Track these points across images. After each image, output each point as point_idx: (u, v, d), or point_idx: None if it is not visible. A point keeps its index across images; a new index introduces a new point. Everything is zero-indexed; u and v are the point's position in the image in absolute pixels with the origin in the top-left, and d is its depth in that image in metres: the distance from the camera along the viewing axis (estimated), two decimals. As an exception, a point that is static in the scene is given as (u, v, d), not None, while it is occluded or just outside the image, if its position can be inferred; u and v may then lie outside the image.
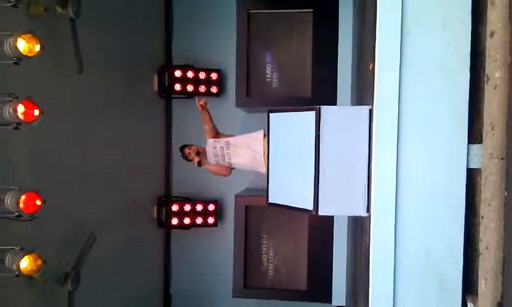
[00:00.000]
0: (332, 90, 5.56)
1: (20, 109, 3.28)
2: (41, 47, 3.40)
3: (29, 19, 3.70)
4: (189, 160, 4.95)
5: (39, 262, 3.41)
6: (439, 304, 2.77)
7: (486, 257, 2.61)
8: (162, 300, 6.64)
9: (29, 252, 3.36)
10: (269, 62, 6.02)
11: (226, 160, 4.84)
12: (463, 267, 2.75)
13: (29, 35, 3.32)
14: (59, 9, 3.98)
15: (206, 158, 4.92)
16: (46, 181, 3.88)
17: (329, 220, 5.65)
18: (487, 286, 2.59)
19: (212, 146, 4.87)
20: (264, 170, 4.35)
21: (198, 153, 4.85)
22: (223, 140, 4.86)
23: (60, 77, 4.21)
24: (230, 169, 4.93)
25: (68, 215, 4.31)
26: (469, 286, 2.79)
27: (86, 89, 4.57)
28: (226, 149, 4.82)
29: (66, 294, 4.15)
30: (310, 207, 3.21)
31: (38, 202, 3.41)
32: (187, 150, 4.89)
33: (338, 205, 3.25)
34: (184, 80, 6.37)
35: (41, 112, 3.38)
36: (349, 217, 5.26)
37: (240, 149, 4.74)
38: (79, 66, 4.21)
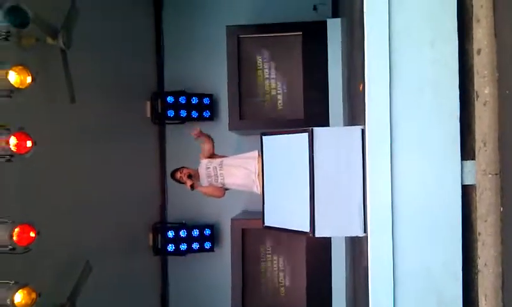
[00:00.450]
0: (324, 111, 5.59)
1: (13, 141, 3.27)
2: (33, 79, 3.40)
3: (20, 51, 3.71)
4: (178, 182, 4.95)
5: (33, 296, 3.36)
6: (440, 322, 2.75)
7: (485, 273, 2.59)
8: (160, 328, 6.54)
9: (23, 286, 3.31)
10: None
11: (219, 180, 4.82)
12: (463, 283, 2.74)
13: (20, 67, 3.34)
14: (49, 40, 4.00)
15: (199, 181, 4.90)
16: (39, 212, 3.85)
17: (327, 241, 5.62)
18: (487, 302, 2.58)
19: (205, 166, 4.86)
20: (258, 190, 4.33)
21: (190, 176, 4.83)
22: (216, 160, 4.85)
23: (52, 108, 4.21)
24: (224, 190, 4.91)
25: (62, 246, 4.27)
26: (469, 303, 2.77)
27: (78, 119, 4.58)
28: (220, 170, 4.82)
29: (62, 326, 4.09)
30: (307, 229, 3.20)
31: (32, 234, 3.37)
32: (178, 174, 4.89)
33: (335, 226, 3.24)
34: (176, 106, 6.39)
35: (33, 144, 3.37)
36: (346, 237, 5.23)
37: (234, 169, 4.73)
38: (71, 96, 4.22)
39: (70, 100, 4.23)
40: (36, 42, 3.84)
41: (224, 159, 4.84)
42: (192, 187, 4.82)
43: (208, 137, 4.90)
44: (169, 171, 6.53)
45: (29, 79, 3.39)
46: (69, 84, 4.20)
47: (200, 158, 4.96)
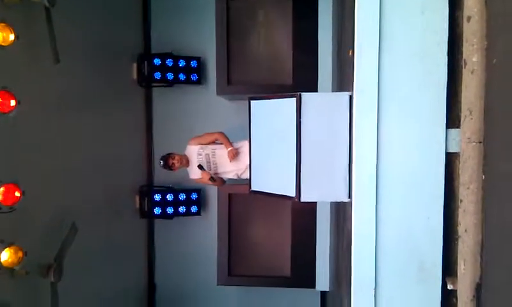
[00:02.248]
0: (313, 77, 5.57)
1: (-4, 100, 3.22)
2: (16, 36, 3.32)
3: (2, 8, 3.61)
4: (170, 169, 4.86)
5: (20, 254, 3.37)
6: (419, 285, 2.83)
7: (465, 240, 2.66)
8: (146, 290, 6.63)
9: (9, 245, 3.32)
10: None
11: (212, 168, 4.78)
12: (443, 249, 2.81)
13: (2, 24, 3.25)
14: (33, -3, 3.88)
15: (188, 166, 4.84)
16: (25, 172, 3.81)
17: (312, 206, 5.69)
18: (466, 268, 2.65)
19: (196, 153, 4.78)
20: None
21: (201, 167, 4.69)
22: (208, 147, 4.78)
23: (36, 67, 4.12)
24: (223, 180, 4.88)
25: (48, 207, 4.26)
26: (449, 268, 2.85)
27: (63, 79, 4.49)
28: (212, 157, 4.77)
29: (48, 286, 4.11)
30: (293, 194, 3.23)
31: (17, 194, 3.36)
32: (170, 161, 4.80)
33: (320, 191, 3.28)
34: (163, 68, 6.29)
35: (17, 103, 3.31)
36: (331, 202, 5.30)
37: (226, 161, 4.70)
38: (55, 56, 4.12)
39: (54, 60, 4.14)
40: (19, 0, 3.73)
41: (217, 148, 4.77)
42: (213, 179, 4.70)
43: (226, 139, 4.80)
44: (155, 134, 6.54)
45: (11, 37, 3.31)
46: (53, 44, 4.10)
47: (189, 143, 4.87)
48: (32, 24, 4.01)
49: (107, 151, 5.44)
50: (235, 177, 4.85)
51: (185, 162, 4.82)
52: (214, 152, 4.76)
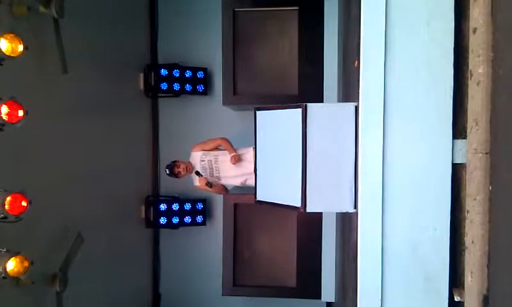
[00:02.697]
0: (319, 87, 5.59)
1: (4, 109, 3.24)
2: (25, 47, 3.36)
3: (11, 19, 3.65)
4: (176, 177, 4.87)
5: (26, 264, 3.38)
6: (426, 296, 2.81)
7: (472, 251, 2.64)
8: (151, 300, 6.62)
9: (15, 254, 3.33)
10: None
11: (214, 174, 4.78)
12: (450, 260, 2.79)
13: (11, 35, 3.29)
14: (42, 9, 3.92)
15: (192, 173, 4.86)
16: (32, 182, 3.84)
17: (318, 216, 5.68)
18: (473, 279, 2.63)
19: (199, 159, 4.80)
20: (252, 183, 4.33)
21: (198, 173, 4.72)
22: (211, 153, 4.79)
23: (44, 78, 4.16)
24: (225, 188, 4.89)
25: (54, 216, 4.27)
26: (456, 280, 2.83)
27: (70, 89, 4.53)
28: (215, 163, 4.77)
29: (54, 295, 4.12)
30: (298, 204, 3.23)
31: (24, 203, 3.37)
32: (176, 170, 4.81)
33: (326, 202, 3.27)
34: (170, 79, 6.34)
35: (25, 113, 3.34)
36: (337, 213, 5.29)
37: (230, 168, 4.70)
38: (63, 67, 4.17)
39: (62, 71, 4.18)
40: (27, 11, 3.78)
41: (219, 154, 4.78)
42: (209, 184, 4.73)
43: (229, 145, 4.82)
44: (162, 144, 6.57)
45: (20, 48, 3.34)
46: (61, 54, 4.15)
47: (193, 150, 4.89)
48: (41, 35, 4.06)
49: (113, 161, 5.46)
50: (240, 184, 4.84)
51: (191, 169, 4.84)
52: (217, 158, 4.77)
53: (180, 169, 4.79)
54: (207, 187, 4.76)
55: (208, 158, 4.77)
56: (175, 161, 4.87)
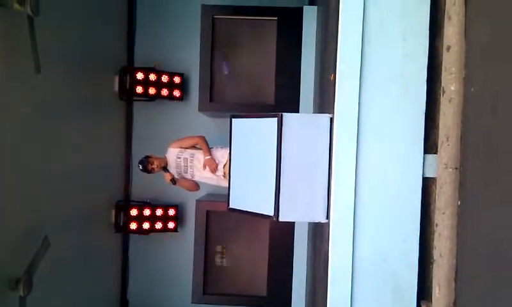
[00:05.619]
0: (295, 98, 5.63)
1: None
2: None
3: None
4: (149, 172, 4.83)
5: (-12, 267, 3.28)
6: (394, 309, 2.84)
7: (440, 264, 2.68)
8: (119, 306, 6.50)
9: (-22, 257, 3.22)
10: (227, 73, 6.02)
11: (188, 171, 4.77)
12: (418, 273, 2.83)
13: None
14: (16, 6, 3.84)
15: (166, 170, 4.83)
16: (-2, 183, 3.74)
17: (290, 226, 5.69)
18: (441, 292, 2.67)
19: (175, 156, 4.77)
20: (226, 184, 4.32)
21: (165, 169, 4.72)
22: (187, 151, 4.77)
23: (16, 76, 4.06)
24: (197, 184, 4.88)
25: (21, 219, 4.16)
26: (424, 292, 2.86)
27: (42, 89, 4.44)
28: (190, 162, 4.75)
29: (17, 300, 4.00)
30: (271, 213, 3.23)
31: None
32: (149, 166, 4.76)
33: (299, 212, 3.29)
34: (146, 83, 6.27)
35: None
36: (309, 223, 5.31)
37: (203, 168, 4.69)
38: (36, 66, 4.08)
39: (35, 70, 4.10)
40: (1, 7, 3.69)
41: (196, 153, 4.76)
42: (173, 181, 4.71)
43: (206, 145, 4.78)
44: (135, 148, 6.49)
45: (-8, 44, 3.26)
46: (34, 53, 4.06)
47: (170, 146, 4.85)
48: (14, 33, 3.97)
49: (84, 163, 5.36)
50: (215, 183, 4.83)
51: (164, 165, 4.80)
52: (193, 157, 4.75)
53: (154, 166, 4.76)
54: (171, 183, 4.75)
55: (185, 156, 4.76)
56: (148, 156, 4.82)
